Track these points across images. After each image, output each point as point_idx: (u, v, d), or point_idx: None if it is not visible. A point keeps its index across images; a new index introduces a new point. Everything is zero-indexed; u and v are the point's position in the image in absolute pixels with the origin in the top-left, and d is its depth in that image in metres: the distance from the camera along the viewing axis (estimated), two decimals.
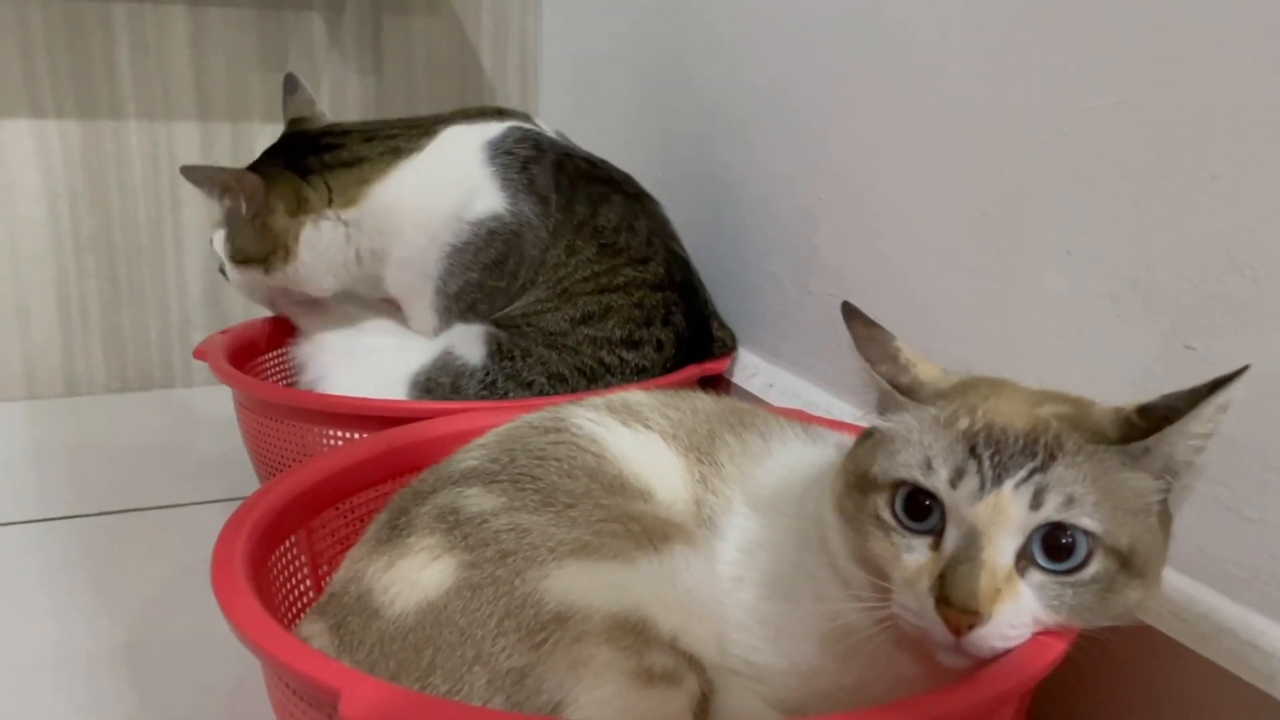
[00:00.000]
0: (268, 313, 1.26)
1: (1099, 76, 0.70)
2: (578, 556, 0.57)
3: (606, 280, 1.10)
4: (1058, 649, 0.52)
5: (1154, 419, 0.51)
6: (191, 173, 1.10)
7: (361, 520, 0.76)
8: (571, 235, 1.11)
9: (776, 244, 1.11)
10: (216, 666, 0.82)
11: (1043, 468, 0.50)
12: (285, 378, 1.26)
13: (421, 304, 1.16)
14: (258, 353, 1.23)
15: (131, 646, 0.87)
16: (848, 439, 0.64)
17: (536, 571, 0.56)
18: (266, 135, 1.21)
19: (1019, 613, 0.50)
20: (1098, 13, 0.69)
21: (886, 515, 0.54)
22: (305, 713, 0.52)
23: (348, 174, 1.12)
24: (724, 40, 1.17)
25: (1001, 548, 0.50)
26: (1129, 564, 0.51)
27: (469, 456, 0.67)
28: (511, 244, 1.11)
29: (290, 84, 1.24)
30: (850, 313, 0.60)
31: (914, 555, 0.53)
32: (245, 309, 1.34)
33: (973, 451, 0.51)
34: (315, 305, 1.22)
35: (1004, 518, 0.50)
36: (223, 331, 1.20)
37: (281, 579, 0.70)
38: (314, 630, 0.60)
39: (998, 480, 0.50)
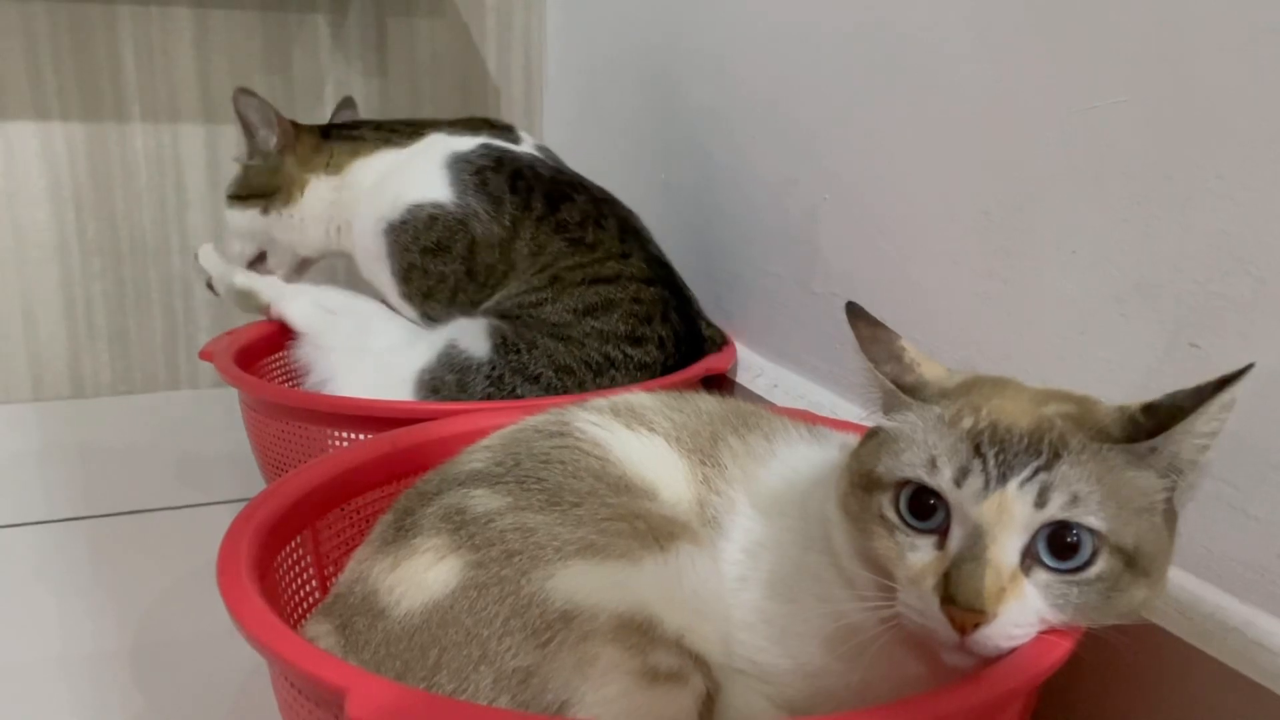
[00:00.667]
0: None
1: (1103, 76, 0.70)
2: (583, 556, 0.57)
3: (595, 270, 1.11)
4: (1063, 648, 0.52)
5: (1158, 418, 0.51)
6: (246, 99, 1.23)
7: (367, 521, 0.76)
8: (533, 228, 1.14)
9: (780, 244, 1.11)
10: (223, 667, 0.82)
11: (1047, 466, 0.50)
12: (291, 379, 1.26)
13: (388, 289, 1.21)
14: (263, 354, 1.23)
15: (138, 647, 0.88)
16: (852, 439, 0.64)
17: (542, 571, 0.56)
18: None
19: (1024, 612, 0.50)
20: (1101, 12, 0.69)
21: (891, 514, 0.54)
22: (312, 713, 0.52)
23: (346, 146, 1.25)
24: (728, 41, 1.17)
25: (1006, 547, 0.50)
26: (1134, 562, 0.51)
27: (474, 459, 0.67)
28: (456, 232, 1.15)
29: (349, 103, 1.41)
30: (854, 313, 0.60)
31: (918, 554, 0.53)
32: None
33: (977, 450, 0.51)
34: (304, 272, 1.33)
35: (1008, 516, 0.50)
36: (228, 333, 1.21)
37: (287, 580, 0.70)
38: (320, 630, 0.60)
39: (1002, 479, 0.50)
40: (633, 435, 0.68)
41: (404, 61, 1.64)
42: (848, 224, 1.00)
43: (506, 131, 1.27)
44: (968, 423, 0.53)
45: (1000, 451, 0.51)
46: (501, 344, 1.06)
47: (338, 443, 0.96)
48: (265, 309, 1.25)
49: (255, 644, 0.52)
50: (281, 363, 1.26)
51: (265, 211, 1.25)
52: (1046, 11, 0.74)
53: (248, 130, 1.24)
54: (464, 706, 0.50)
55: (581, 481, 0.62)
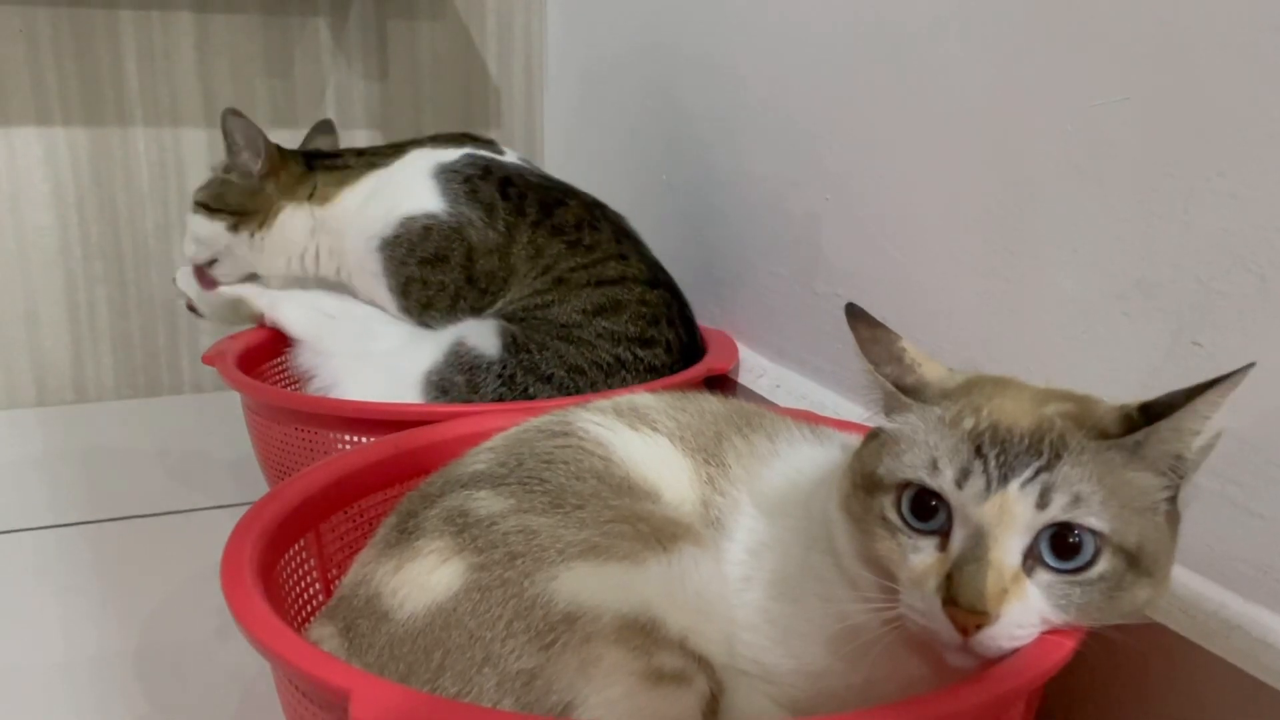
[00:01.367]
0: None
1: (1104, 75, 0.70)
2: (586, 557, 0.57)
3: (599, 271, 1.11)
4: (1066, 647, 0.52)
5: (1153, 415, 0.51)
6: (235, 120, 1.22)
7: (370, 523, 0.76)
8: (530, 232, 1.14)
9: (782, 245, 1.11)
10: (227, 671, 0.83)
11: (1048, 467, 0.50)
12: (294, 383, 1.26)
13: (388, 304, 1.21)
14: (266, 358, 1.23)
15: (143, 651, 0.88)
16: (854, 439, 0.64)
17: (545, 573, 0.56)
18: (271, 140, 1.23)
19: (1026, 612, 0.50)
20: (1103, 10, 0.69)
21: (893, 516, 0.54)
22: (316, 715, 0.52)
23: (333, 176, 1.24)
24: (728, 42, 1.17)
25: (1008, 548, 0.50)
26: (1137, 562, 0.51)
27: (477, 460, 0.67)
28: (453, 240, 1.15)
29: (326, 126, 1.38)
30: (854, 314, 0.60)
31: (921, 556, 0.53)
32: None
33: (978, 451, 0.51)
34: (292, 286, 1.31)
35: (1010, 517, 0.50)
36: (231, 337, 1.21)
37: (291, 583, 0.70)
38: (324, 633, 0.61)
39: (1004, 480, 0.50)
40: (636, 435, 0.68)
41: (405, 64, 1.64)
42: (849, 224, 1.00)
43: (488, 144, 1.28)
44: (969, 423, 0.53)
45: (1001, 452, 0.51)
46: (512, 343, 1.06)
47: (341, 446, 0.96)
48: (258, 317, 1.25)
49: (259, 647, 0.52)
50: (284, 366, 1.26)
51: (233, 229, 1.23)
52: (1047, 10, 0.74)
53: (231, 148, 1.23)
54: (467, 709, 0.50)
55: (584, 483, 0.62)
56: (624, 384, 1.04)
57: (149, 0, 1.48)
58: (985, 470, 0.51)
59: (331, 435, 0.97)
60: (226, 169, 1.25)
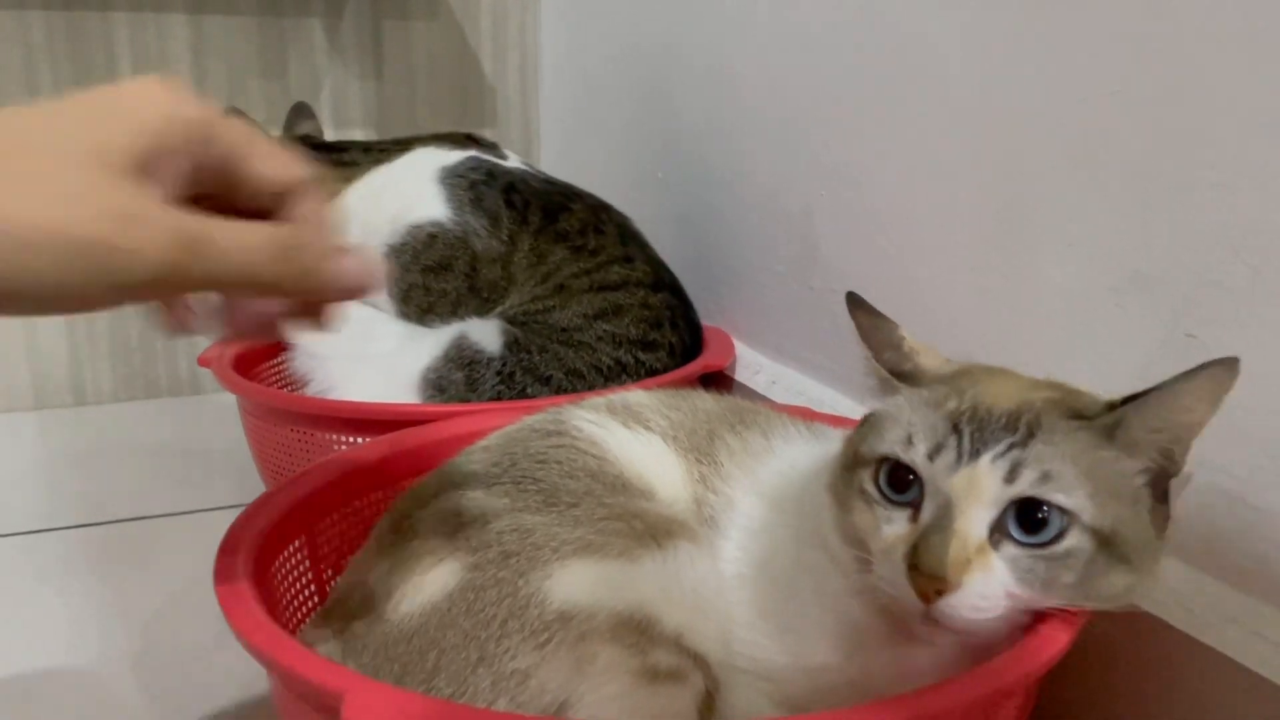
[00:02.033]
0: None
1: (1097, 66, 0.69)
2: (581, 555, 0.57)
3: (600, 277, 1.11)
4: (1061, 642, 0.51)
5: (1132, 400, 0.52)
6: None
7: (366, 524, 0.76)
8: (532, 239, 1.14)
9: (777, 241, 1.11)
10: (227, 673, 0.82)
11: (1021, 444, 0.51)
12: (291, 384, 1.26)
13: (388, 309, 1.20)
14: (263, 359, 1.23)
15: (143, 653, 0.88)
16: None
17: (540, 571, 0.56)
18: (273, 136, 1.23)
19: (989, 583, 0.50)
20: (1096, 2, 0.69)
21: (870, 488, 0.55)
22: (310, 718, 0.52)
23: (341, 173, 1.22)
24: (722, 37, 1.17)
25: (974, 519, 0.51)
26: (1111, 545, 0.51)
27: (471, 460, 0.67)
28: (457, 249, 1.14)
29: (305, 110, 1.35)
30: (855, 302, 0.61)
31: (893, 527, 0.53)
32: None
33: (955, 428, 0.52)
34: None
35: (978, 490, 0.50)
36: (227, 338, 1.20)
37: (286, 584, 0.70)
38: (318, 635, 0.60)
39: (975, 454, 0.51)
40: (629, 434, 0.68)
41: (400, 64, 1.64)
42: (844, 220, 0.99)
43: (492, 148, 1.27)
44: (951, 405, 0.54)
45: (977, 430, 0.52)
46: (514, 343, 1.07)
47: (337, 447, 0.96)
48: None
49: (251, 649, 0.51)
50: (281, 368, 1.26)
51: None
52: (1040, 3, 0.74)
53: None
54: (460, 709, 0.50)
55: (578, 481, 0.62)
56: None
57: (143, 2, 1.48)
58: (959, 445, 0.51)
59: (327, 436, 0.97)
60: None
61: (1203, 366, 0.50)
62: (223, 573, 0.59)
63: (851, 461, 0.57)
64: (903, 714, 0.47)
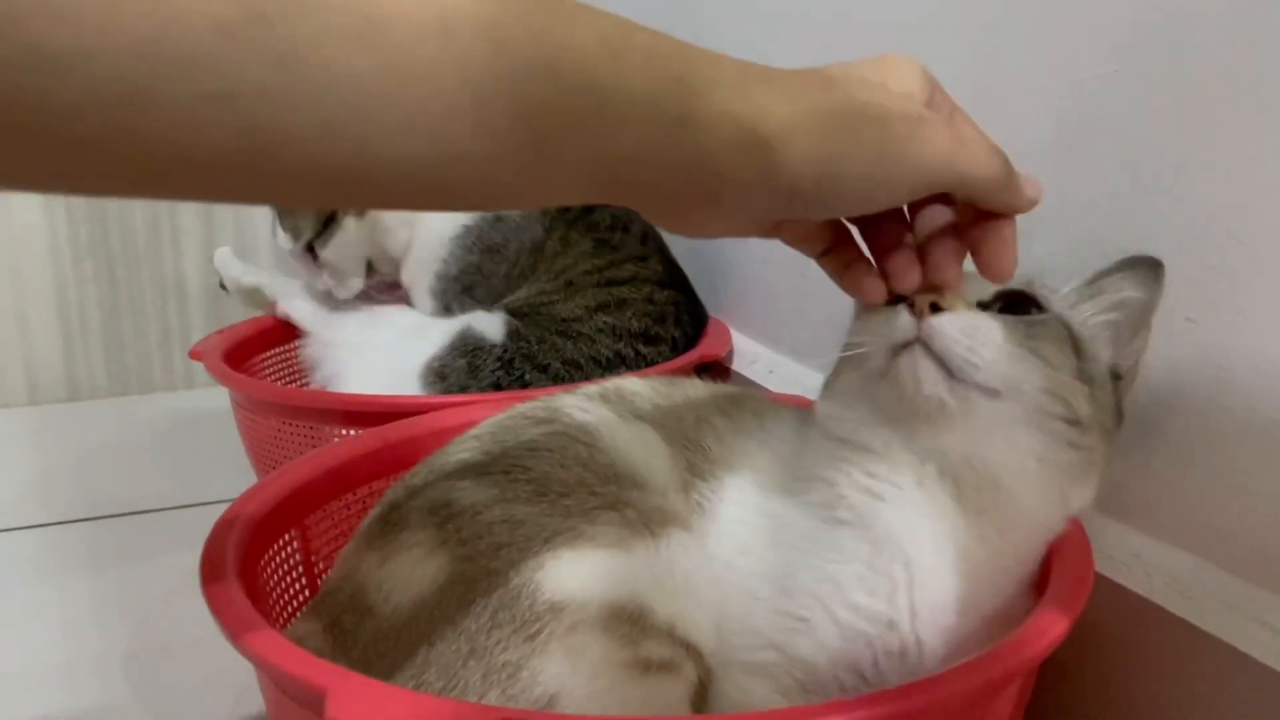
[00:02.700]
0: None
1: (1092, 46, 0.68)
2: (572, 546, 0.56)
3: (611, 274, 1.12)
4: (1060, 628, 0.51)
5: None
6: None
7: (358, 517, 0.75)
8: (565, 228, 1.14)
9: None
10: (222, 668, 0.81)
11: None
12: (283, 376, 1.25)
13: (420, 289, 1.20)
14: (254, 352, 1.22)
15: (137, 649, 0.87)
16: None
17: (531, 563, 0.56)
18: None
19: (978, 318, 0.54)
20: None
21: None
22: (297, 713, 0.51)
23: None
24: (716, 23, 1.16)
25: (964, 295, 0.56)
26: (1080, 357, 0.56)
27: (461, 449, 0.66)
28: (511, 230, 1.15)
29: None
30: None
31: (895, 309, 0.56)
32: (245, 310, 1.34)
33: None
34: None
35: (971, 288, 0.56)
36: (219, 331, 1.20)
37: (276, 578, 0.69)
38: (307, 630, 0.60)
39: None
40: (621, 421, 0.67)
41: None
42: None
43: None
44: None
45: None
46: (515, 333, 1.08)
47: (330, 439, 0.95)
48: (271, 306, 1.25)
49: (236, 645, 0.51)
50: (274, 360, 1.25)
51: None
52: None
53: None
54: (445, 704, 0.49)
55: (569, 471, 0.61)
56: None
57: None
58: None
59: (319, 429, 0.96)
60: None
61: (1132, 257, 0.60)
62: (208, 565, 0.58)
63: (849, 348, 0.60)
64: (901, 702, 0.46)
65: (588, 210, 1.15)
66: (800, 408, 0.70)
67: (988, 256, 0.53)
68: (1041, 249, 0.74)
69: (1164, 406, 0.64)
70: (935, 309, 0.53)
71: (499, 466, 0.62)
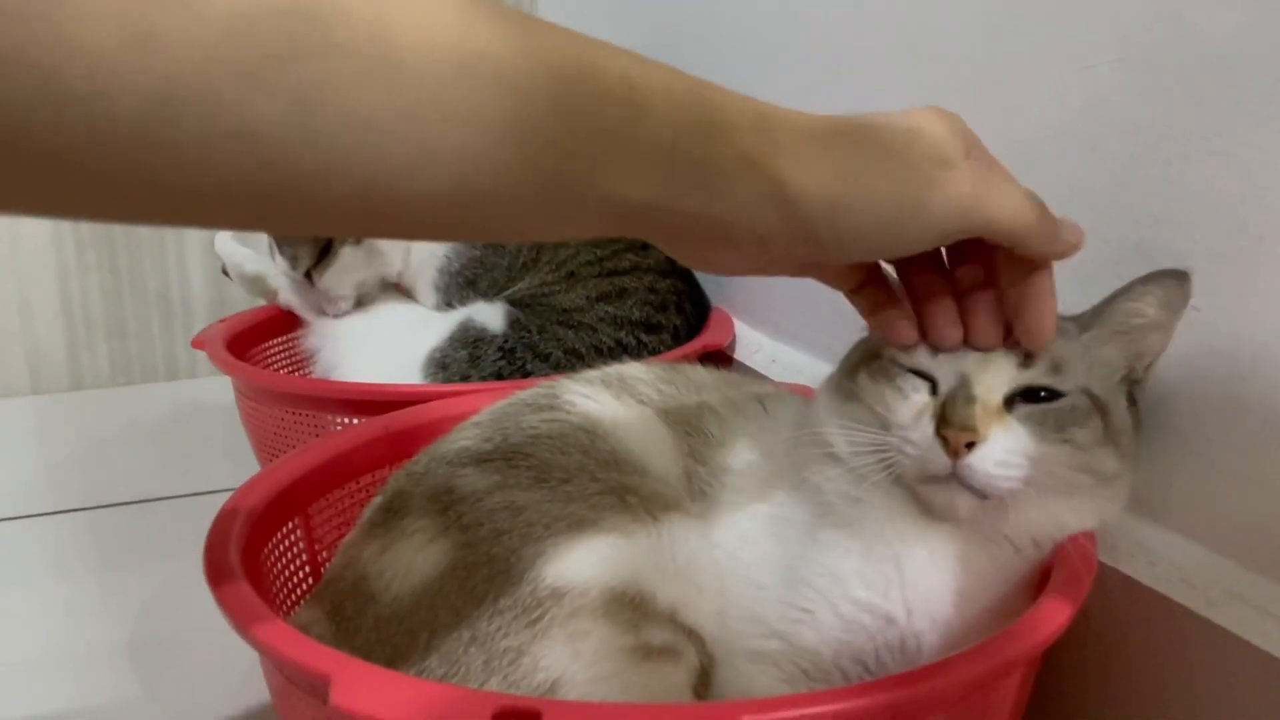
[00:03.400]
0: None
1: (1098, 35, 0.68)
2: (573, 531, 0.56)
3: (613, 263, 1.12)
4: (1064, 615, 0.51)
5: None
6: None
7: (361, 505, 0.75)
8: None
9: None
10: (226, 656, 0.81)
11: None
12: (286, 365, 1.25)
13: (424, 283, 1.19)
14: (257, 340, 1.22)
15: (141, 637, 0.87)
16: None
17: (532, 549, 0.56)
18: None
19: (1011, 439, 0.53)
20: None
21: (892, 367, 0.57)
22: (301, 699, 0.51)
23: None
24: (718, 21, 1.16)
25: (991, 388, 0.54)
26: (1105, 416, 0.55)
27: (462, 436, 0.66)
28: None
29: None
30: None
31: (919, 396, 0.56)
32: (248, 298, 1.34)
33: None
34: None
35: (995, 368, 0.54)
36: (221, 320, 1.20)
37: (280, 566, 0.69)
38: (311, 617, 0.60)
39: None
40: (622, 407, 0.67)
41: None
42: None
43: None
44: None
45: None
46: (516, 323, 1.08)
47: (332, 428, 0.95)
48: (273, 294, 1.25)
49: (240, 631, 0.51)
50: (277, 349, 1.25)
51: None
52: None
53: None
54: (448, 690, 0.49)
55: (570, 457, 0.61)
56: None
57: None
58: None
59: (321, 417, 0.96)
60: None
61: (1156, 272, 0.57)
62: (212, 553, 0.58)
63: (863, 357, 0.60)
64: (904, 690, 0.46)
65: None
66: (802, 396, 0.70)
67: (1029, 322, 0.53)
68: None
69: (1168, 395, 0.64)
70: (969, 446, 0.52)
71: (500, 453, 0.62)
